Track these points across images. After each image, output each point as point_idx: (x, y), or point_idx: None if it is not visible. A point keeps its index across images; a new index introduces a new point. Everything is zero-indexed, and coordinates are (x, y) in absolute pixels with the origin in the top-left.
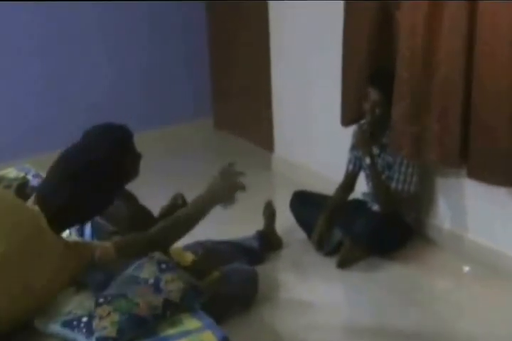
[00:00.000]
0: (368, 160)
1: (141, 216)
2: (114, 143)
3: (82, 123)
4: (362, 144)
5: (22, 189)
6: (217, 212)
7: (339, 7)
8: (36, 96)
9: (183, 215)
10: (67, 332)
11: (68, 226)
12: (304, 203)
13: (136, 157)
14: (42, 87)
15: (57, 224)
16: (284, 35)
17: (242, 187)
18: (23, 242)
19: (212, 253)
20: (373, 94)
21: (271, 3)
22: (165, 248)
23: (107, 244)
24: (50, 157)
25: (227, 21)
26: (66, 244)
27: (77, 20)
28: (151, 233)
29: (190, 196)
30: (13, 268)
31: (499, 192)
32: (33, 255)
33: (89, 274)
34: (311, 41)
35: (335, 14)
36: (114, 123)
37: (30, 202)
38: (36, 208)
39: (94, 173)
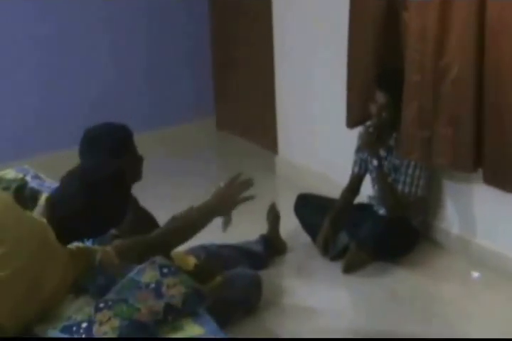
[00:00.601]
0: (375, 162)
1: (142, 219)
2: (117, 143)
3: (83, 123)
4: (369, 146)
5: (20, 191)
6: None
7: (344, 7)
8: (37, 96)
9: (184, 222)
10: (59, 333)
11: (79, 238)
12: (309, 206)
13: (138, 159)
14: (43, 86)
15: (67, 236)
16: (287, 36)
17: (248, 199)
18: (33, 254)
19: (215, 257)
20: (380, 97)
21: (274, 2)
22: (166, 252)
23: (108, 248)
24: (50, 157)
25: (230, 22)
26: (71, 252)
27: (79, 20)
28: (153, 237)
29: (192, 196)
30: (23, 280)
31: (508, 197)
32: (41, 267)
33: (90, 279)
34: (315, 41)
35: (340, 14)
36: (114, 122)
37: (39, 209)
38: (44, 221)
39: (112, 185)
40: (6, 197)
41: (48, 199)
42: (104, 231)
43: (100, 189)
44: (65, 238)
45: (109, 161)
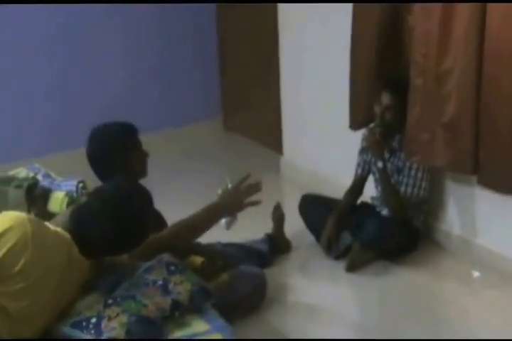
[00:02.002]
0: (380, 164)
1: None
2: (123, 140)
3: (93, 124)
4: (374, 148)
5: (32, 190)
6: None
7: (349, 11)
8: (50, 98)
9: (191, 222)
10: (76, 333)
11: (102, 255)
12: (313, 206)
13: (143, 155)
14: (56, 89)
15: (90, 253)
16: (293, 39)
17: (254, 204)
18: (58, 265)
19: (221, 255)
20: (385, 99)
21: (280, 8)
22: (173, 250)
23: None
24: (60, 157)
25: (236, 28)
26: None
27: (92, 25)
28: (162, 236)
29: (200, 193)
30: (49, 288)
31: (509, 198)
32: (66, 278)
33: (100, 277)
34: (320, 45)
35: (345, 17)
36: (120, 121)
37: (61, 218)
38: (68, 236)
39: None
40: (34, 219)
41: (72, 214)
42: (124, 249)
43: (124, 212)
44: (88, 253)
45: (130, 181)
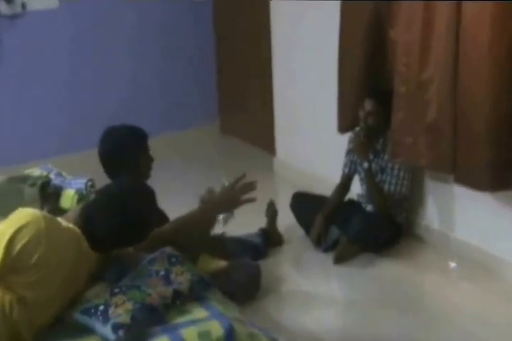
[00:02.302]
0: (365, 165)
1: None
2: (134, 144)
3: (100, 128)
4: (360, 150)
5: (45, 187)
6: None
7: (338, 21)
8: (60, 105)
9: (190, 218)
10: (85, 319)
11: (109, 249)
12: (303, 203)
13: (150, 159)
14: (68, 95)
15: (99, 246)
16: (285, 48)
17: (250, 202)
18: (69, 258)
19: (224, 245)
20: (368, 105)
21: (272, 16)
22: (175, 245)
23: None
24: (71, 157)
25: (233, 37)
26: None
27: (101, 40)
28: (163, 231)
29: (197, 192)
30: (61, 279)
31: (484, 195)
32: (77, 269)
33: (107, 267)
34: (312, 51)
35: (334, 28)
36: (131, 124)
37: (71, 214)
38: (78, 231)
39: (140, 204)
40: (47, 216)
41: (82, 210)
42: (130, 243)
43: (130, 209)
44: (96, 247)
45: (137, 180)
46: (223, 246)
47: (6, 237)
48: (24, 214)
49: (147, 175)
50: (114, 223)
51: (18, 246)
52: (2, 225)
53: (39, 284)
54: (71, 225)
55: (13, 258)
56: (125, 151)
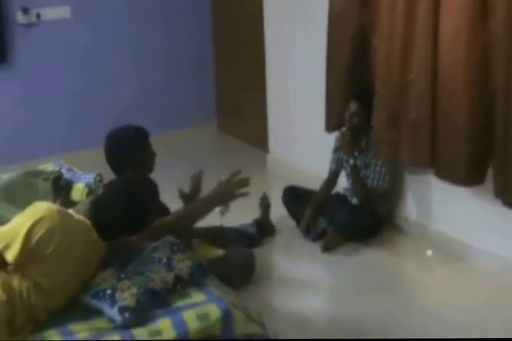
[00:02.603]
0: (351, 162)
1: (158, 207)
2: (137, 142)
3: (106, 126)
4: (346, 148)
5: (57, 181)
6: None
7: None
8: (70, 104)
9: (190, 210)
10: (95, 302)
11: (117, 236)
12: (294, 196)
13: (152, 154)
14: (75, 96)
15: (107, 235)
16: (278, 53)
17: (243, 196)
18: (80, 247)
19: (224, 234)
20: (353, 106)
21: (266, 23)
22: (176, 234)
23: None
24: (81, 154)
25: (232, 38)
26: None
27: (105, 45)
28: (165, 221)
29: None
30: (73, 266)
31: (458, 189)
32: (87, 258)
33: (114, 255)
34: (303, 58)
35: (324, 35)
36: (133, 124)
37: (81, 207)
38: (88, 222)
39: (143, 197)
40: (61, 210)
41: (91, 204)
42: (134, 231)
43: (134, 201)
44: (104, 236)
45: (140, 175)
46: (223, 236)
47: (24, 230)
48: (40, 208)
49: (151, 169)
50: (120, 214)
51: (35, 238)
52: (20, 218)
53: (54, 271)
54: (81, 217)
55: (31, 248)
56: (128, 151)
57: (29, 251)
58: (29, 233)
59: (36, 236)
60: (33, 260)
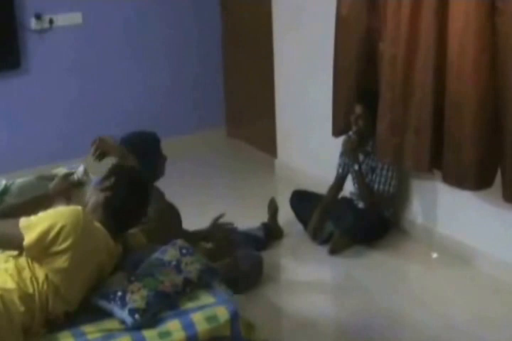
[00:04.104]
0: (356, 167)
1: (167, 209)
2: (149, 147)
3: (117, 131)
4: (351, 153)
5: (67, 177)
6: (230, 208)
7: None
8: (78, 109)
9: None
10: (105, 304)
11: (127, 230)
12: (301, 200)
13: (163, 158)
14: (87, 102)
15: (119, 230)
16: (286, 58)
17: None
18: (101, 254)
19: (227, 240)
20: (358, 109)
21: (274, 28)
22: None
23: (137, 231)
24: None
25: (240, 51)
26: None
27: (111, 49)
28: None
29: (205, 190)
30: (90, 271)
31: (464, 192)
32: (104, 264)
33: (125, 258)
34: (311, 63)
35: (331, 41)
36: (146, 130)
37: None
38: (104, 230)
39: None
40: (86, 213)
41: (105, 202)
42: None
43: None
44: (117, 232)
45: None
46: (231, 240)
47: (47, 223)
48: (66, 208)
49: (162, 173)
50: (135, 202)
51: (55, 229)
52: (45, 213)
53: (71, 273)
54: (98, 224)
55: (50, 239)
56: (144, 156)
57: (48, 243)
58: (52, 226)
59: (57, 228)
60: (50, 252)
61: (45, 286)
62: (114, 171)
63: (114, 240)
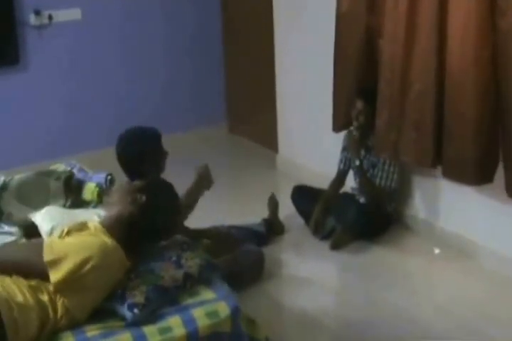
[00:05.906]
0: (357, 162)
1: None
2: (149, 143)
3: (116, 128)
4: (352, 148)
5: (69, 181)
6: (231, 203)
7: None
8: (79, 105)
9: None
10: (108, 304)
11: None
12: (303, 195)
13: (164, 154)
14: (86, 100)
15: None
16: (287, 53)
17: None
18: (116, 276)
19: (227, 237)
20: (358, 104)
21: (275, 24)
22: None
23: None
24: (92, 155)
25: (243, 42)
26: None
27: (111, 49)
28: None
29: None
30: (107, 280)
31: (465, 188)
32: (117, 277)
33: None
34: (311, 61)
35: (332, 37)
36: (146, 126)
37: (107, 221)
38: (118, 246)
39: None
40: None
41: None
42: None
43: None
44: (149, 241)
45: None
46: (227, 238)
47: (80, 257)
48: (94, 239)
49: (163, 168)
50: (166, 215)
51: (85, 269)
52: (82, 237)
53: (89, 304)
54: (110, 239)
55: (76, 278)
56: (144, 158)
57: (73, 280)
58: (83, 263)
59: (86, 267)
60: (73, 288)
61: (59, 309)
62: (148, 188)
63: (130, 252)
